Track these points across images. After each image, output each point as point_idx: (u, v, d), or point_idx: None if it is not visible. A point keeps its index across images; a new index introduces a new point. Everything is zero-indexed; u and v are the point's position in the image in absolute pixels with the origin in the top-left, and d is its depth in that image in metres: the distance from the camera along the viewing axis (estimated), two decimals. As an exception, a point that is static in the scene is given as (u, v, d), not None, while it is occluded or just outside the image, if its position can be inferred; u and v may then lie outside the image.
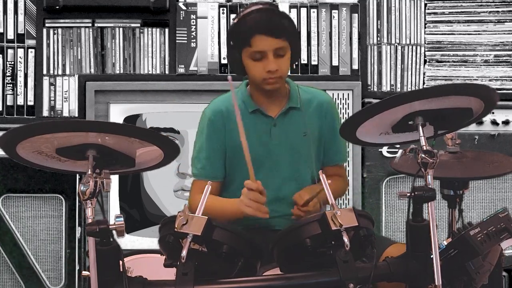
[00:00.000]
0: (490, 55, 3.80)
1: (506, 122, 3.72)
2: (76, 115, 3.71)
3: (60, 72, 3.74)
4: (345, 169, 2.97)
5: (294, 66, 2.78)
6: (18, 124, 2.15)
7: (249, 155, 2.46)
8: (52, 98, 3.72)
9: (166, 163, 2.27)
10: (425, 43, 3.79)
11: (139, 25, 3.77)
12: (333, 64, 3.77)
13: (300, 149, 2.72)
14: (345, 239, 2.08)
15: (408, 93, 2.49)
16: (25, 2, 3.72)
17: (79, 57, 3.74)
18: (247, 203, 2.50)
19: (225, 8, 3.75)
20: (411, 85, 3.78)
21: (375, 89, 3.78)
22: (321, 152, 2.78)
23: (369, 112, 2.23)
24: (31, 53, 3.73)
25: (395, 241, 2.60)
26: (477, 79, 3.78)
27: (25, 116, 3.71)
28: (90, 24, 3.75)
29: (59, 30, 3.73)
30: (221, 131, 2.71)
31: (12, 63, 3.72)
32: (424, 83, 3.79)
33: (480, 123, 3.69)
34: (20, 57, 3.72)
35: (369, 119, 2.22)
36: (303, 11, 3.76)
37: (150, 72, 3.76)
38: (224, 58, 3.74)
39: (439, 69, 3.79)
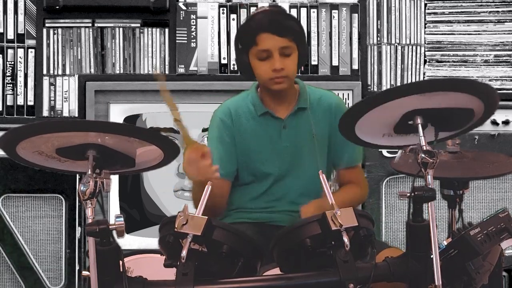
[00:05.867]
0: (490, 55, 3.80)
1: (506, 122, 3.72)
2: (76, 115, 3.71)
3: (60, 72, 3.74)
4: (362, 172, 2.89)
5: (302, 68, 2.76)
6: (18, 124, 2.15)
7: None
8: (52, 98, 3.72)
9: (166, 163, 2.27)
10: (425, 43, 3.79)
11: (139, 25, 3.76)
12: (333, 64, 3.77)
13: (310, 150, 2.72)
14: (345, 239, 2.08)
15: (401, 86, 2.45)
16: (25, 2, 3.72)
17: (79, 57, 3.74)
18: (193, 173, 2.43)
19: (225, 8, 3.75)
20: (411, 85, 3.78)
21: (375, 89, 3.78)
22: (331, 153, 2.75)
23: (363, 106, 2.21)
24: (31, 53, 3.73)
25: (389, 245, 2.59)
26: (477, 79, 3.78)
27: (25, 116, 3.71)
28: (90, 24, 3.75)
29: (59, 30, 3.73)
30: (231, 129, 2.73)
31: (12, 63, 3.72)
32: (424, 83, 3.79)
33: (480, 123, 3.68)
34: (20, 57, 3.72)
35: (366, 115, 2.19)
36: (303, 11, 3.76)
37: (150, 72, 3.76)
38: (224, 58, 3.74)
39: (439, 69, 3.79)
